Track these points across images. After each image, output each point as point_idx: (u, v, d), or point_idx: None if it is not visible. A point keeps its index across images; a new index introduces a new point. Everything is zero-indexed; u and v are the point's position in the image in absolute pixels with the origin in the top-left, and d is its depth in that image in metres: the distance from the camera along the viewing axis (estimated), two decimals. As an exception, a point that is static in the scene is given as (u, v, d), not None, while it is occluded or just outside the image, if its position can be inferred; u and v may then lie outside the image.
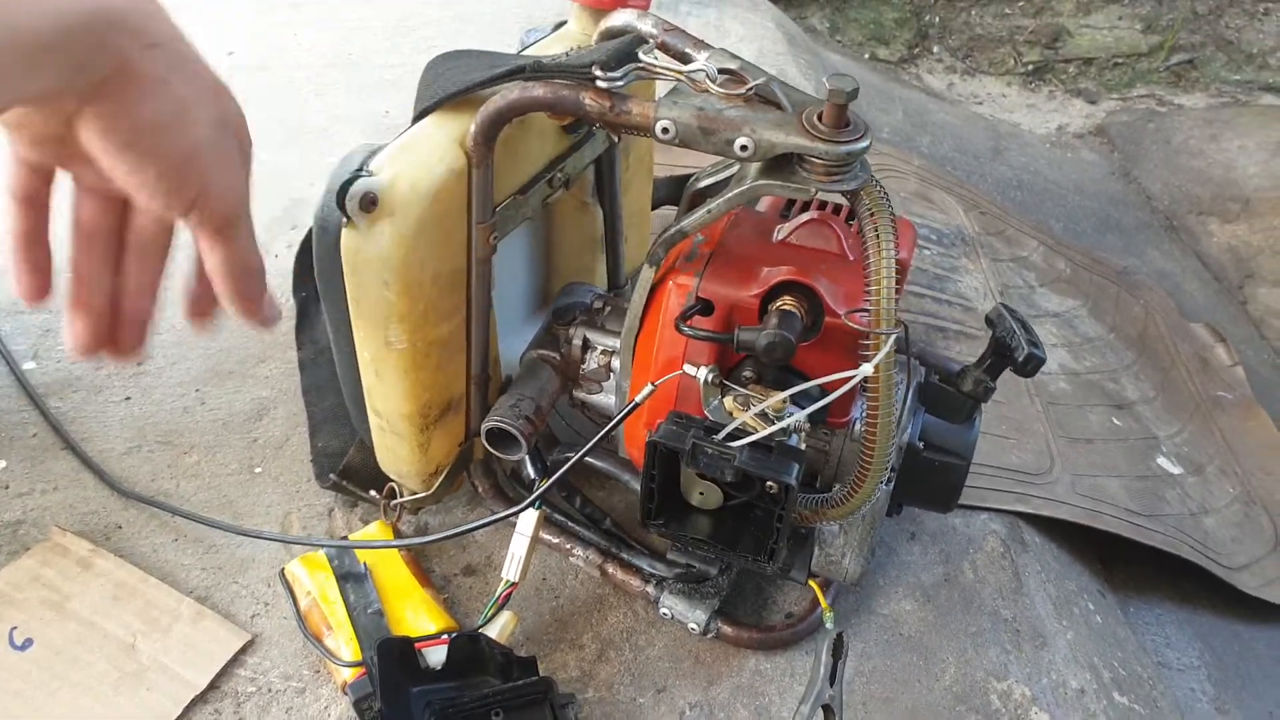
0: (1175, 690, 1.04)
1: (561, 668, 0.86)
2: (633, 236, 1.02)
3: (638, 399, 0.70)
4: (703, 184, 0.79)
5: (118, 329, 0.52)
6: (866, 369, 0.61)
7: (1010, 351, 0.70)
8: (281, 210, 1.35)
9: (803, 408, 0.66)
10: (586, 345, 0.85)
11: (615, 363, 0.82)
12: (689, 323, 0.69)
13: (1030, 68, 2.68)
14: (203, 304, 0.55)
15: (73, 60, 0.38)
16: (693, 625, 0.86)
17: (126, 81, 0.40)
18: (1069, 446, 1.17)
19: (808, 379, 0.68)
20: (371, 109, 1.63)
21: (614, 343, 0.83)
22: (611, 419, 0.75)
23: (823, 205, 0.78)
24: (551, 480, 0.76)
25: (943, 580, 0.95)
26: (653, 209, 1.09)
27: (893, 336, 0.61)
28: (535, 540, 0.83)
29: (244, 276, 0.51)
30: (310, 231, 0.76)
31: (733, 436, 0.64)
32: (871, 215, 0.62)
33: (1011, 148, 2.33)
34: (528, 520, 0.82)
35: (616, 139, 0.88)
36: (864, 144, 0.62)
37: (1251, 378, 1.55)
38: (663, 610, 0.87)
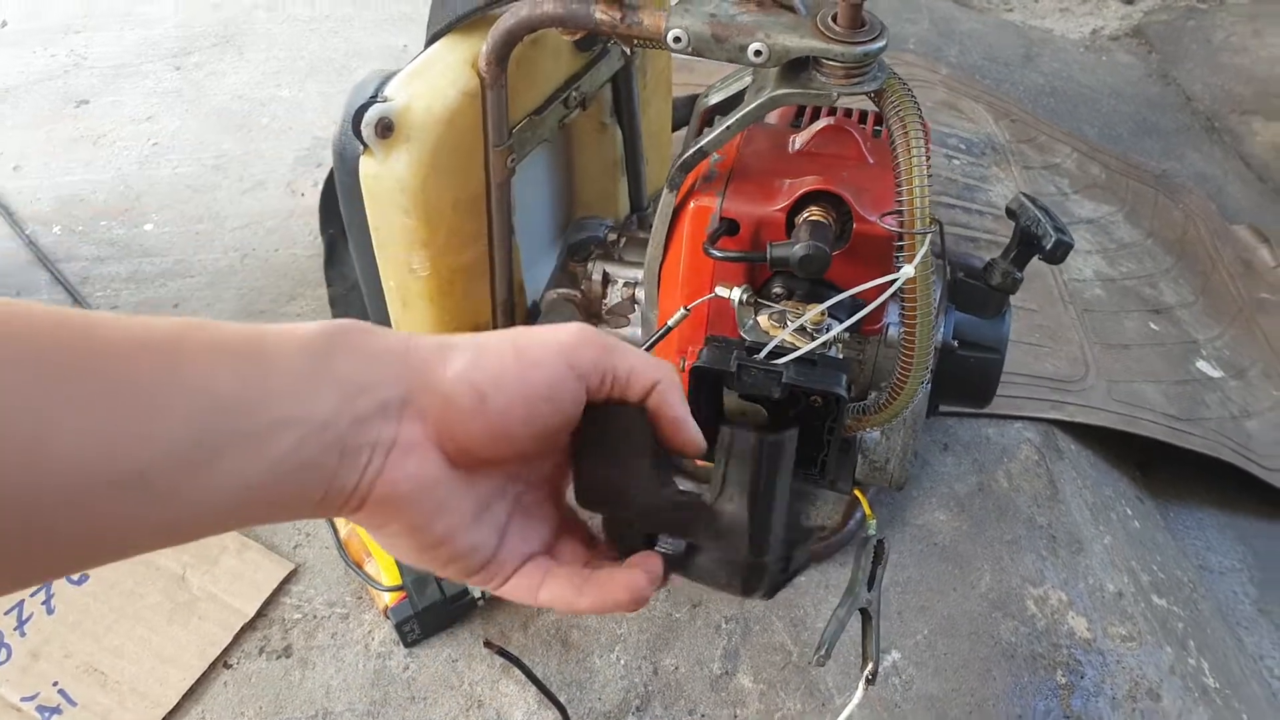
0: (1216, 593, 1.03)
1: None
2: (653, 158, 1.00)
3: (669, 324, 0.68)
4: (713, 100, 0.76)
5: None
6: (908, 271, 0.60)
7: (1037, 240, 0.68)
8: (305, 149, 1.34)
9: (839, 319, 0.65)
10: (607, 279, 0.83)
11: (640, 293, 0.81)
12: (717, 245, 0.68)
13: (1064, -31, 2.58)
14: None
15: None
16: (727, 541, 0.86)
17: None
18: (1105, 353, 1.15)
19: (840, 289, 0.67)
20: (389, 43, 1.61)
21: (635, 274, 0.82)
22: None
23: (832, 111, 0.76)
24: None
25: (976, 490, 0.95)
26: (674, 130, 1.07)
27: (929, 236, 0.60)
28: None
29: None
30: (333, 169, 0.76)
31: (774, 355, 0.62)
32: (898, 112, 0.61)
33: (1044, 54, 2.25)
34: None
35: (630, 53, 0.86)
36: (880, 43, 0.61)
37: (1297, 279, 1.51)
38: (697, 528, 0.87)
